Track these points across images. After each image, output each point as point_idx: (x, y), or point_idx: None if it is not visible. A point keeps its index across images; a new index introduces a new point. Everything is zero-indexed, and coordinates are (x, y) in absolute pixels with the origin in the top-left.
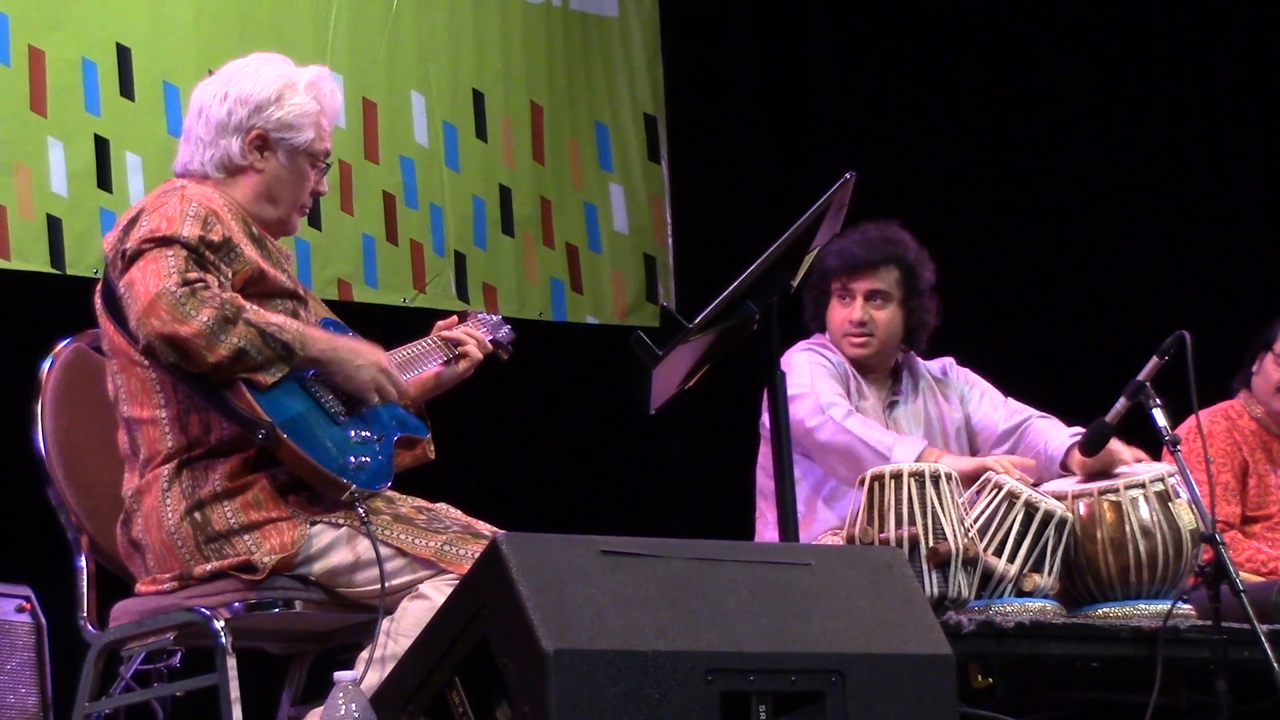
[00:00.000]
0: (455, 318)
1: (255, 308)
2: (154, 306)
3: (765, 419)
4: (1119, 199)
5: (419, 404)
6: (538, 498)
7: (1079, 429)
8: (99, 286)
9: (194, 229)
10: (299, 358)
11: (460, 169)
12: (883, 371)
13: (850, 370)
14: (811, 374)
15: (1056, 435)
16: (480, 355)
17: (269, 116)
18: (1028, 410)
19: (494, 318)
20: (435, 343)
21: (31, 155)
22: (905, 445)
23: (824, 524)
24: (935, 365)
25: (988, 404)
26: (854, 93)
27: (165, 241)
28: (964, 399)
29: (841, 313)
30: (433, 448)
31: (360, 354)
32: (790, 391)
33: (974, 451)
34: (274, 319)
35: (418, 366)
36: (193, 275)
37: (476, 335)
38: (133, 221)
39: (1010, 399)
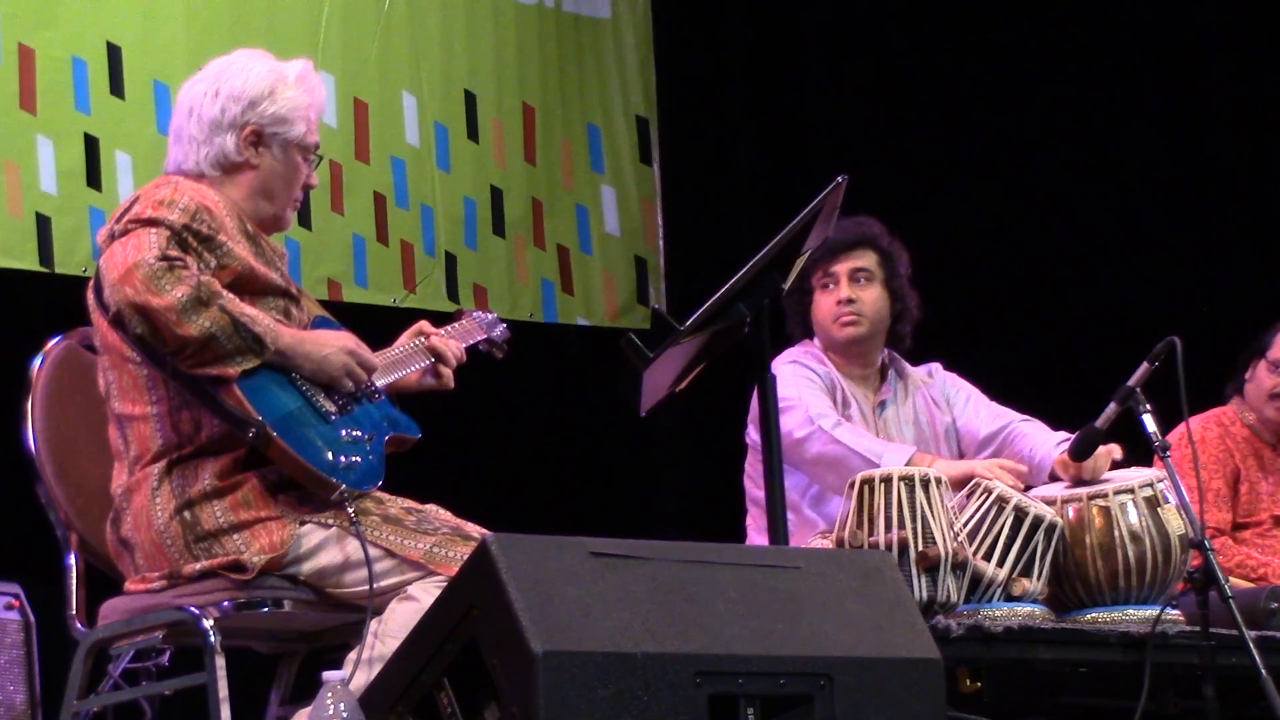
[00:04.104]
0: (453, 318)
1: (231, 296)
2: (129, 275)
3: (751, 431)
4: (1110, 204)
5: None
6: (527, 499)
7: (1065, 434)
8: (91, 282)
9: (181, 217)
10: (269, 351)
11: (451, 169)
12: (871, 368)
13: (837, 377)
14: (799, 387)
15: (1043, 441)
16: (453, 383)
17: (263, 112)
18: (1010, 414)
19: (489, 316)
20: (419, 347)
21: (21, 153)
22: (895, 452)
23: (813, 528)
24: (922, 369)
25: (971, 408)
26: (846, 96)
27: (151, 222)
28: (950, 402)
29: (828, 299)
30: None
31: (326, 343)
32: (779, 403)
33: (960, 455)
34: (248, 310)
35: (402, 369)
36: (173, 253)
37: (455, 350)
38: (126, 209)
39: (994, 403)
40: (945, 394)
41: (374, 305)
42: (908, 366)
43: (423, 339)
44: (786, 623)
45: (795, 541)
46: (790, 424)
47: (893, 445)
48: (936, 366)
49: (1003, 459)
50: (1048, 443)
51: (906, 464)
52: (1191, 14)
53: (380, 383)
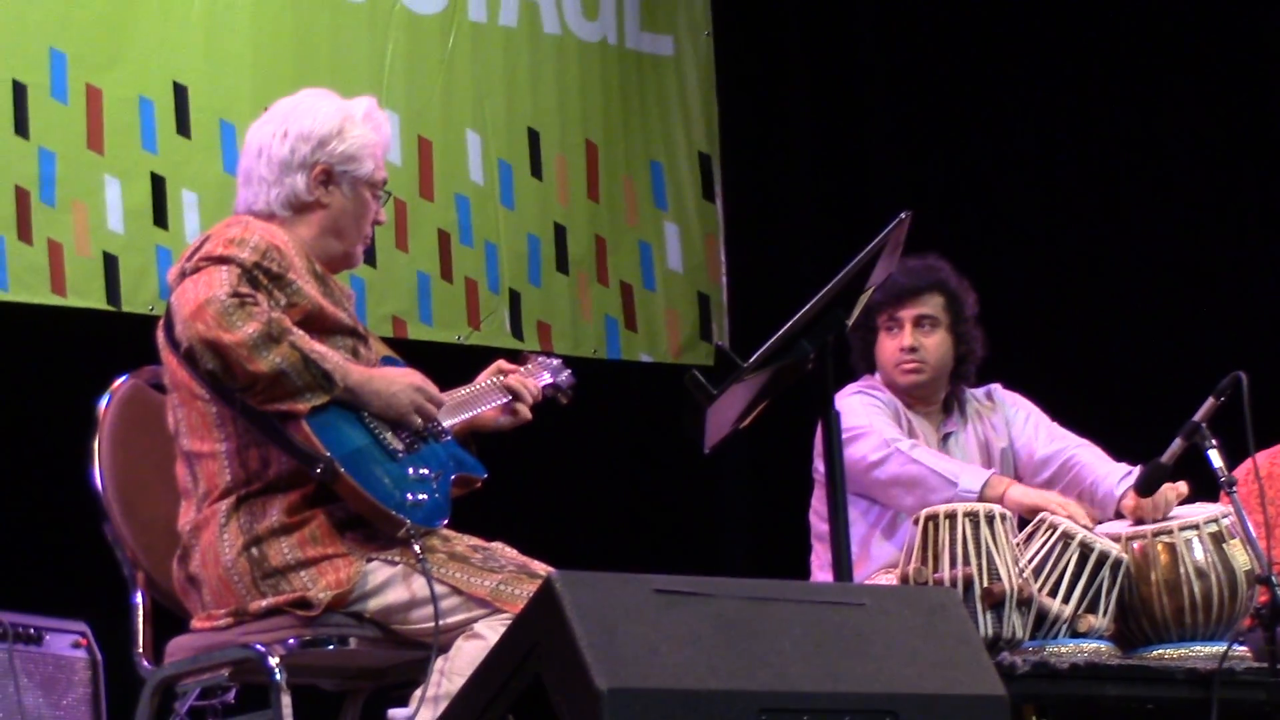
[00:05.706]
0: (517, 363)
1: (301, 332)
2: (201, 312)
3: (817, 463)
4: (1177, 237)
5: (464, 436)
6: (592, 536)
7: (1127, 466)
8: (161, 320)
9: (252, 255)
10: (338, 388)
11: (515, 207)
12: (934, 405)
13: (901, 408)
14: (869, 414)
15: (1106, 475)
16: (530, 416)
17: (332, 151)
18: (1068, 438)
19: (555, 361)
20: (495, 385)
21: (89, 192)
22: (971, 473)
23: (878, 561)
24: (981, 390)
25: (1031, 427)
26: (909, 131)
27: (222, 260)
28: (1009, 421)
29: (891, 343)
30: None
31: (394, 380)
32: (849, 432)
33: (1016, 474)
34: (318, 346)
35: (477, 405)
36: (244, 290)
37: (532, 388)
38: (197, 248)
39: (1055, 424)
40: (1005, 414)
41: (438, 343)
42: (969, 393)
43: (500, 377)
44: (851, 659)
45: (861, 574)
46: (865, 449)
47: (969, 466)
48: (996, 387)
49: (1079, 502)
50: (1110, 476)
51: (983, 485)
52: (1263, 37)
53: (448, 422)
